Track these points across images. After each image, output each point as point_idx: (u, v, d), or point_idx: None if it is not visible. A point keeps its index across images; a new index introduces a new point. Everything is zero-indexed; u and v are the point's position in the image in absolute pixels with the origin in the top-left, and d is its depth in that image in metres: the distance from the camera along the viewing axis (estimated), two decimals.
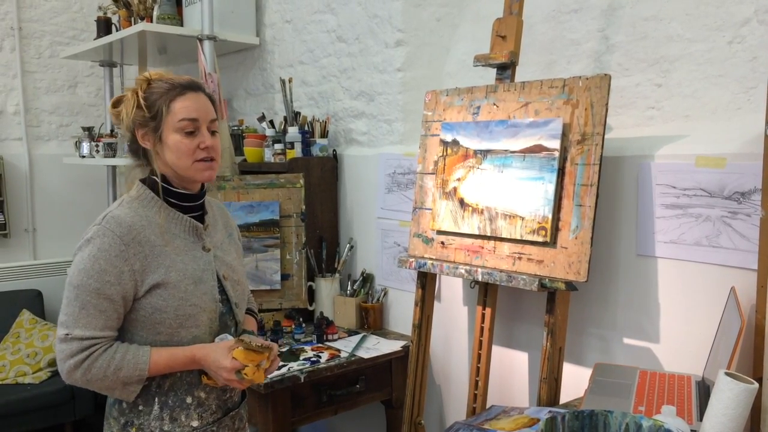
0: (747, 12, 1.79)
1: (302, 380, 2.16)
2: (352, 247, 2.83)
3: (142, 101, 1.41)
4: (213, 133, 1.46)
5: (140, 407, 1.43)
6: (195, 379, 1.46)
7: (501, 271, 1.93)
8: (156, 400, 1.43)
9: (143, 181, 1.47)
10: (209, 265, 1.49)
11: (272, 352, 1.46)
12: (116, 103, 1.48)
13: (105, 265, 1.34)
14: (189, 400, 1.46)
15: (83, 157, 3.58)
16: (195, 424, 1.46)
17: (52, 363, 3.41)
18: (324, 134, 2.86)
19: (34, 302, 3.72)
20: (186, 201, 1.48)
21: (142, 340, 1.41)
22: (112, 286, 1.35)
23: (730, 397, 1.26)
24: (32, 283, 3.83)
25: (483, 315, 2.11)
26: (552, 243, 1.84)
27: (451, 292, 2.44)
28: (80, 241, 1.39)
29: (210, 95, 1.49)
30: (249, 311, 1.71)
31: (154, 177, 1.46)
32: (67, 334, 1.35)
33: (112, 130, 3.73)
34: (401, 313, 2.63)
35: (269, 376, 2.08)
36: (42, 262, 3.94)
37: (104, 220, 1.38)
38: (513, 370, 2.24)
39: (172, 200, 1.46)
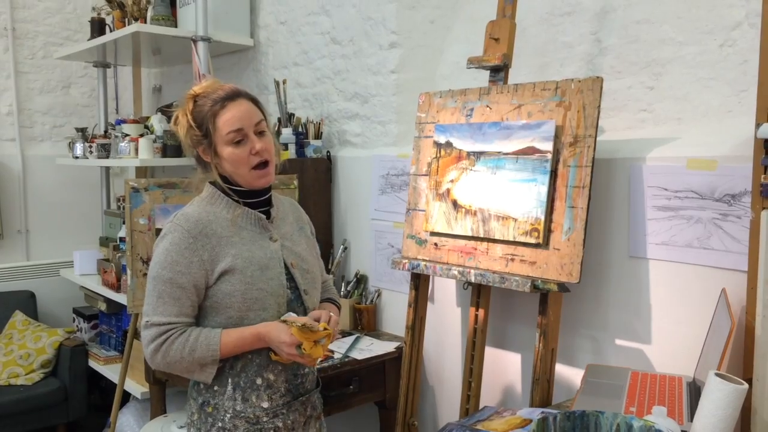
0: (738, 16, 1.80)
1: None
2: (345, 248, 2.83)
3: (192, 122, 1.51)
4: (261, 133, 1.53)
5: (215, 387, 1.54)
6: (264, 361, 1.54)
7: (494, 272, 1.93)
8: (229, 381, 1.54)
9: (212, 183, 1.58)
10: (276, 254, 1.58)
11: (326, 330, 1.49)
12: (174, 121, 1.57)
13: (176, 256, 1.47)
14: (259, 381, 1.55)
15: (77, 158, 3.56)
16: (265, 405, 1.55)
17: (45, 364, 3.40)
18: (318, 136, 2.87)
19: (27, 303, 3.71)
20: (252, 198, 1.57)
21: (215, 324, 1.52)
22: (183, 275, 1.47)
23: (720, 397, 1.27)
24: (25, 284, 3.81)
25: (476, 316, 2.12)
26: (544, 244, 1.85)
27: (445, 293, 2.44)
28: (157, 239, 1.53)
29: (252, 97, 1.56)
30: (330, 300, 1.77)
31: (219, 181, 1.57)
32: (148, 321, 1.49)
33: (105, 131, 3.72)
34: (395, 314, 2.63)
35: None
36: (35, 263, 3.92)
37: (175, 218, 1.52)
38: (506, 371, 2.25)
39: (238, 198, 1.56)
